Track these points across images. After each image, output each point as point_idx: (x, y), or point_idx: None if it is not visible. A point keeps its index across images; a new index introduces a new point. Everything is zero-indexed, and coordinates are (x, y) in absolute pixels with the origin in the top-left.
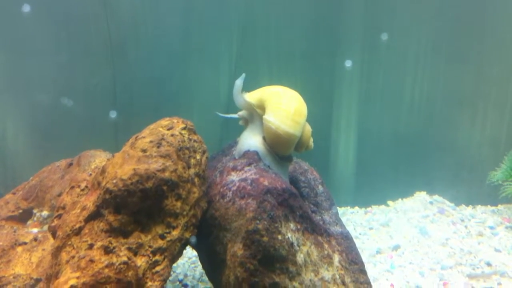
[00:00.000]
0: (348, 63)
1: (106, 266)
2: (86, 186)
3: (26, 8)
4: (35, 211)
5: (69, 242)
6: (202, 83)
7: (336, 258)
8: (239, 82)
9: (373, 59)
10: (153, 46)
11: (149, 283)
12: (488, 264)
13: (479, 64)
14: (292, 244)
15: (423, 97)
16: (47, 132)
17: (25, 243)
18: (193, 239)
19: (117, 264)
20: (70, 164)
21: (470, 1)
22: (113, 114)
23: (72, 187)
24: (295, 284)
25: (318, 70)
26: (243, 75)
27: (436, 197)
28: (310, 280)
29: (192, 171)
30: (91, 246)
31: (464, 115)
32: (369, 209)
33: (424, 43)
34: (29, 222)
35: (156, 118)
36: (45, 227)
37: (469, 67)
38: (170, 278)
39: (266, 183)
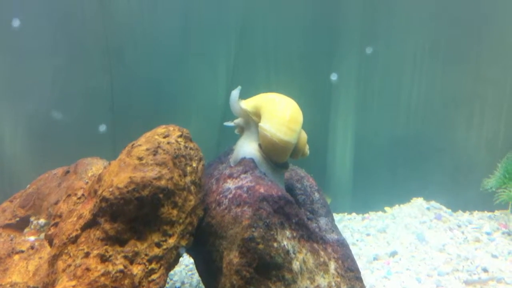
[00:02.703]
0: (334, 76)
1: (102, 275)
2: (83, 194)
3: (16, 23)
4: (32, 219)
5: (66, 251)
6: (200, 87)
7: (332, 265)
8: (235, 93)
9: (370, 61)
10: (151, 50)
11: None
12: (485, 270)
13: (475, 67)
14: (288, 251)
15: (420, 101)
16: (44, 137)
17: (22, 251)
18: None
19: (113, 272)
20: (67, 172)
21: (467, 3)
22: (102, 128)
23: (69, 195)
24: None
25: (315, 73)
26: (239, 87)
27: (433, 203)
28: None
29: (188, 179)
30: (87, 255)
31: (461, 117)
32: (366, 215)
33: (421, 45)
34: (26, 230)
35: (153, 122)
36: (42, 235)
37: (466, 70)
38: (167, 285)
39: (262, 190)
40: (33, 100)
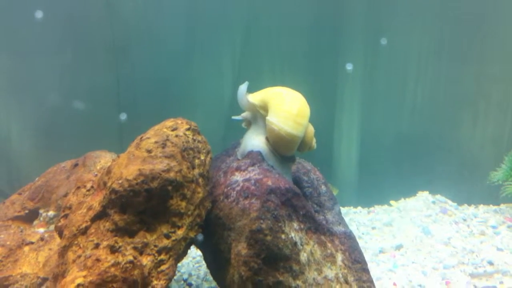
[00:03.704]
0: (349, 66)
1: (112, 265)
2: (92, 187)
3: (39, 14)
4: (41, 211)
5: (76, 242)
6: (205, 83)
7: (339, 257)
8: (243, 87)
9: (376, 59)
10: (156, 47)
11: (155, 282)
12: (490, 263)
13: (480, 64)
14: (295, 243)
15: (425, 97)
16: (51, 133)
17: (32, 243)
18: (200, 237)
19: (123, 263)
20: (76, 165)
21: (471, 2)
22: (122, 116)
23: (78, 188)
24: (299, 282)
25: (321, 70)
26: (247, 82)
27: (438, 196)
28: (314, 279)
29: (196, 171)
30: (97, 246)
31: (466, 115)
32: (372, 209)
33: (426, 43)
34: (36, 222)
35: (160, 118)
36: (51, 227)
37: (471, 67)
38: (175, 277)
39: (269, 183)
40: (40, 97)
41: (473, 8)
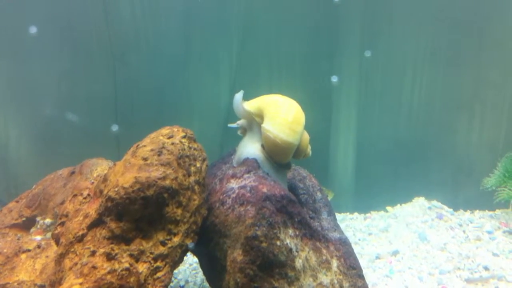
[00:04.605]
0: (334, 78)
1: (109, 273)
2: (89, 194)
3: (33, 29)
4: (38, 219)
5: (72, 249)
6: (202, 90)
7: (334, 263)
8: (239, 95)
9: (372, 63)
10: (154, 53)
11: None
12: (486, 269)
13: (477, 69)
14: (290, 249)
15: (421, 102)
16: (49, 140)
17: (29, 250)
18: (191, 245)
19: (119, 270)
20: (73, 173)
21: (468, 6)
22: (114, 128)
23: (75, 195)
24: None
25: (317, 74)
26: (242, 91)
27: (434, 202)
28: (309, 285)
29: (192, 178)
30: (93, 253)
31: (462, 119)
32: (368, 215)
33: (423, 47)
34: (33, 229)
35: (156, 126)
36: (48, 235)
37: (467, 72)
38: (171, 284)
39: (265, 190)
40: (38, 104)
41: (469, 12)
